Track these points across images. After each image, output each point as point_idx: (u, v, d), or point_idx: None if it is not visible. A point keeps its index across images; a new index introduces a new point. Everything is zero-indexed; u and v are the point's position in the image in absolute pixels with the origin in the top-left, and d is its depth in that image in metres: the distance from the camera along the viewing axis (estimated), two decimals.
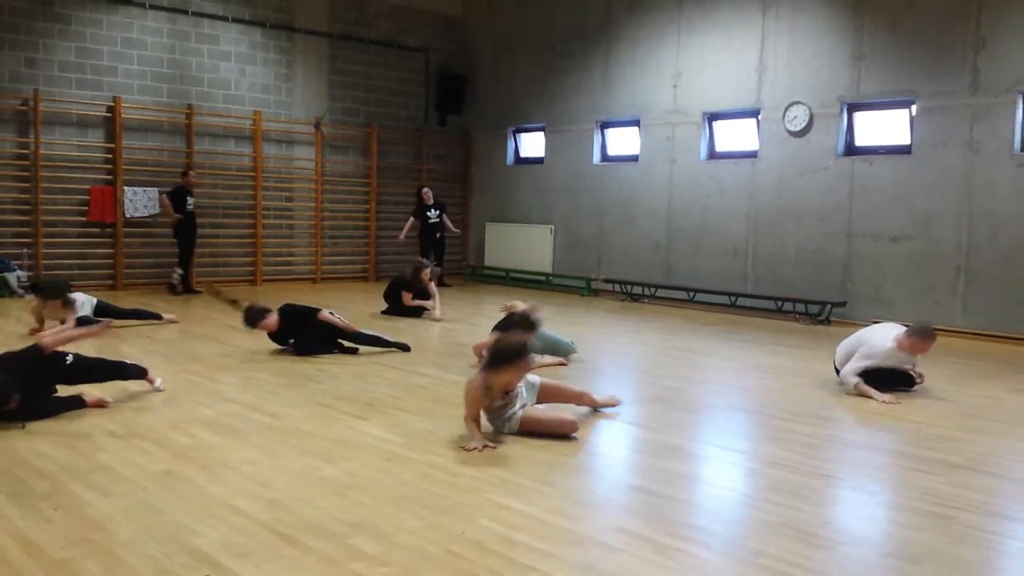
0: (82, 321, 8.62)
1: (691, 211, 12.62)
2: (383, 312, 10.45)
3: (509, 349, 5.00)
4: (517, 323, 6.76)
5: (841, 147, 11.04)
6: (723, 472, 4.77)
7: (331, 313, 7.86)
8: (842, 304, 10.78)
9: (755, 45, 11.76)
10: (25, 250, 11.70)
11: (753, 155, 11.94)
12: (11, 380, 5.04)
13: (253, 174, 13.69)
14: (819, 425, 5.72)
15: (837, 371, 6.80)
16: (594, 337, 9.53)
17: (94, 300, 8.89)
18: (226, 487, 4.12)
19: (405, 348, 7.91)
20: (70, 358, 5.60)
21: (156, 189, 12.62)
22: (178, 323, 9.19)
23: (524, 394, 5.22)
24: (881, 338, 6.56)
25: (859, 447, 5.31)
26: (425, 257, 14.04)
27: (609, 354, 8.52)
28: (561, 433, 5.08)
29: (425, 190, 14.08)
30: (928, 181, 10.23)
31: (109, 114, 12.33)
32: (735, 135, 12.34)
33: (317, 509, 3.84)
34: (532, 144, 15.37)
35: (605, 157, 14.03)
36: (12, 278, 11.20)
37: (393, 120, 15.27)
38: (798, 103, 11.30)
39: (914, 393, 6.65)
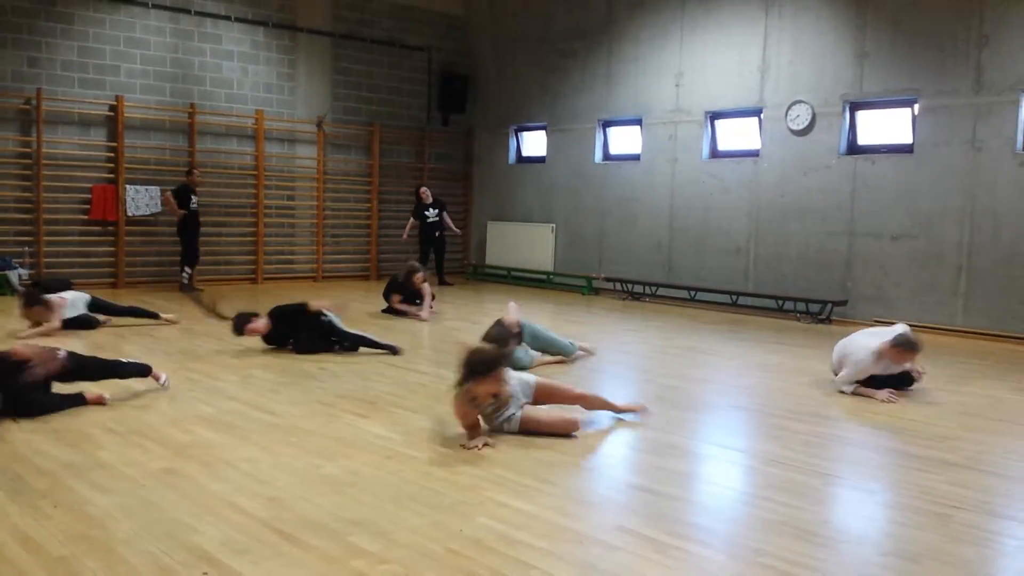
0: (80, 321, 8.63)
1: (693, 210, 12.61)
2: (383, 311, 10.45)
3: (481, 361, 4.86)
4: (490, 340, 6.64)
5: (843, 146, 11.03)
6: (723, 470, 4.77)
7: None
8: (843, 303, 10.77)
9: (758, 44, 11.75)
10: (27, 248, 11.72)
11: (755, 154, 11.93)
12: None
13: (255, 173, 13.69)
14: (819, 424, 5.72)
15: (835, 373, 6.79)
16: (595, 336, 9.52)
17: (87, 297, 8.85)
18: (226, 485, 4.13)
19: (395, 351, 7.73)
20: (62, 354, 5.57)
21: (158, 188, 12.63)
22: (178, 323, 9.20)
23: (519, 394, 5.17)
24: (863, 349, 6.45)
25: (859, 446, 5.31)
26: (425, 256, 14.09)
27: (610, 353, 8.51)
28: (563, 432, 5.08)
29: (423, 189, 14.07)
30: (930, 180, 10.22)
31: (111, 113, 12.34)
32: (737, 134, 12.33)
33: (317, 507, 3.85)
34: (534, 143, 15.37)
35: (607, 156, 14.03)
36: (13, 276, 11.21)
37: (395, 119, 15.27)
38: (800, 102, 11.29)
39: (914, 392, 6.64)
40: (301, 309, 7.84)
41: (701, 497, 4.35)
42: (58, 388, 5.56)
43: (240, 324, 7.64)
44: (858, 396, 6.43)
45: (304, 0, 14.04)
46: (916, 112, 10.40)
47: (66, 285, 9.21)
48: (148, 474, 4.26)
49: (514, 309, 7.57)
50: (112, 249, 12.52)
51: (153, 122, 12.78)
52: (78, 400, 5.57)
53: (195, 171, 12.50)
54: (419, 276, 10.12)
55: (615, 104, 13.61)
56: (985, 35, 9.74)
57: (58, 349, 5.63)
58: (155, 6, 12.62)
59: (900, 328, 6.82)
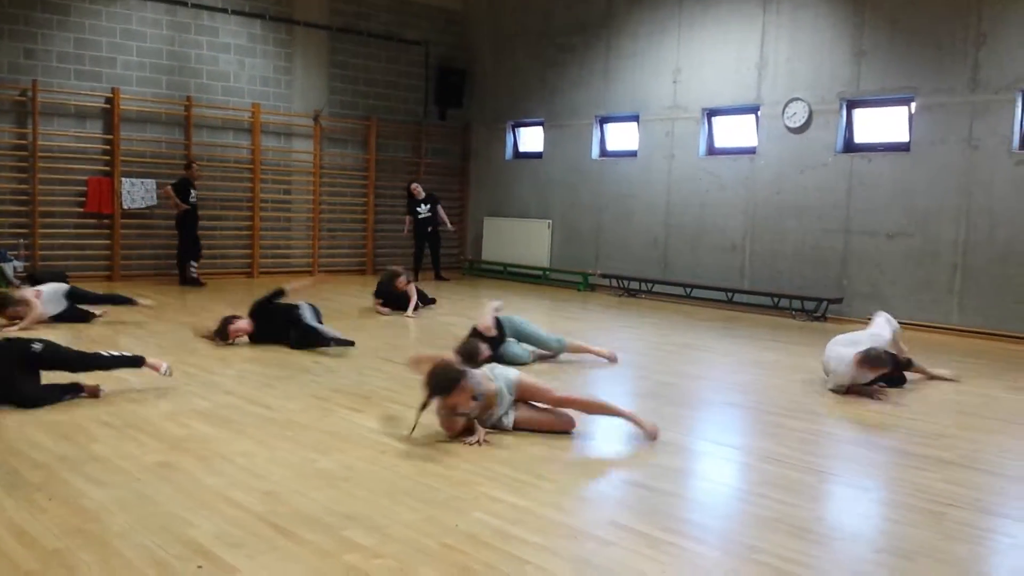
0: (75, 315, 8.58)
1: (689, 207, 12.61)
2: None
3: (441, 381, 4.76)
4: (460, 353, 6.56)
5: (840, 144, 11.04)
6: (718, 467, 4.78)
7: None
8: (839, 301, 10.79)
9: (755, 41, 11.75)
10: (22, 240, 11.69)
11: (752, 151, 11.94)
12: None
13: (251, 166, 13.67)
14: (814, 421, 5.74)
15: (826, 374, 6.77)
16: (590, 332, 9.53)
17: (65, 287, 8.76)
18: (221, 479, 4.12)
19: (348, 343, 7.65)
20: (37, 346, 5.51)
21: (154, 181, 12.61)
22: (153, 308, 9.16)
23: (505, 392, 5.08)
24: (841, 361, 6.41)
25: (853, 443, 5.32)
26: (419, 253, 14.07)
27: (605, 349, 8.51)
28: (560, 430, 5.07)
29: (414, 185, 14.02)
30: (927, 178, 10.24)
31: (107, 105, 12.31)
32: (734, 131, 12.34)
33: (312, 501, 3.85)
34: (531, 138, 15.36)
35: (604, 152, 14.03)
36: (8, 268, 11.17)
37: (392, 113, 15.25)
38: (797, 99, 11.29)
39: (909, 390, 6.66)
40: (278, 295, 7.90)
41: (696, 493, 4.36)
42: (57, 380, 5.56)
43: (224, 328, 7.64)
44: (852, 394, 6.44)
45: None
46: (913, 110, 10.41)
47: (60, 278, 9.19)
48: (143, 468, 4.25)
49: (492, 309, 7.45)
50: (108, 242, 12.50)
51: (149, 115, 12.75)
52: (74, 389, 5.55)
53: (194, 165, 12.47)
54: (401, 280, 10.05)
55: (612, 100, 13.61)
56: (983, 34, 9.75)
57: (33, 341, 5.60)
58: None
59: (878, 323, 6.82)
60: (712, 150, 12.52)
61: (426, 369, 4.95)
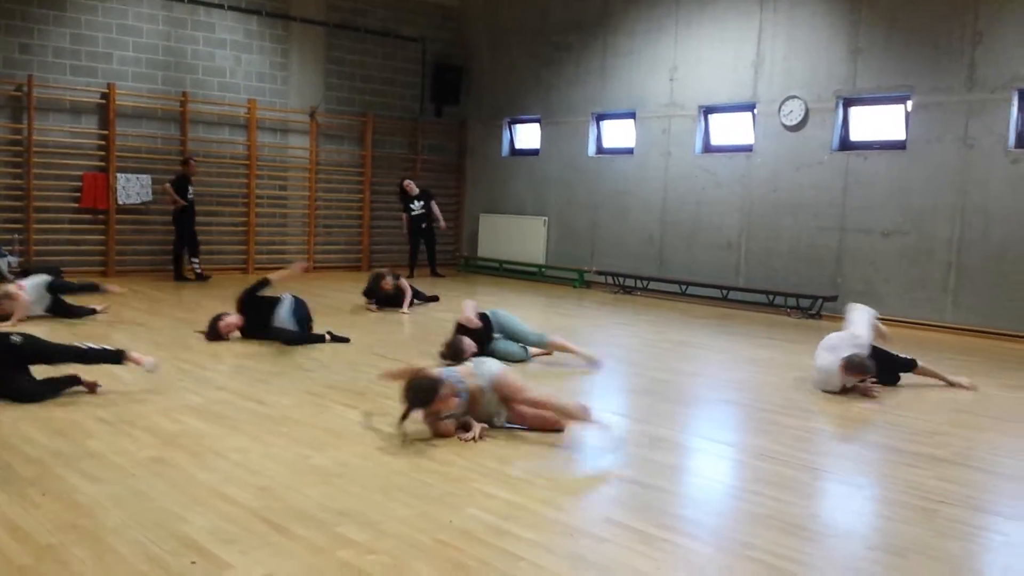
0: (59, 310, 8.54)
1: (685, 204, 12.62)
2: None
3: (420, 393, 4.72)
4: (447, 355, 6.54)
5: (836, 142, 11.05)
6: (712, 464, 4.79)
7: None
8: (833, 299, 10.80)
9: (752, 39, 11.75)
10: (17, 236, 11.67)
11: (748, 149, 11.94)
12: None
13: (247, 162, 13.66)
14: (808, 418, 5.75)
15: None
16: (586, 329, 9.55)
17: (47, 278, 8.64)
18: (215, 474, 4.12)
19: (320, 339, 7.74)
20: (17, 339, 5.48)
21: (149, 176, 12.59)
22: (121, 294, 9.15)
23: (487, 388, 5.00)
24: (826, 370, 6.39)
25: (847, 441, 5.33)
26: (414, 250, 14.04)
27: (600, 346, 8.51)
28: (551, 428, 5.05)
29: (407, 182, 13.97)
30: (922, 177, 10.25)
31: (103, 101, 12.29)
32: (730, 129, 12.34)
33: (306, 497, 3.85)
34: (527, 135, 15.35)
35: (600, 149, 14.02)
36: (3, 263, 11.16)
37: (388, 110, 15.23)
38: (794, 97, 11.30)
39: (902, 388, 6.67)
40: (264, 284, 7.94)
41: (690, 490, 4.37)
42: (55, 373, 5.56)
43: (214, 326, 7.65)
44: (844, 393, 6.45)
45: None
46: (909, 109, 10.42)
47: (55, 273, 9.16)
48: (137, 463, 4.25)
49: (470, 307, 7.39)
50: (103, 237, 12.48)
51: (145, 110, 12.73)
52: (73, 382, 5.54)
53: (191, 161, 12.44)
54: (387, 281, 10.00)
55: (609, 97, 13.60)
56: (979, 32, 9.76)
57: (12, 334, 5.57)
58: None
59: (855, 322, 6.73)
60: (708, 148, 12.53)
61: (401, 381, 4.93)
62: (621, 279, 13.06)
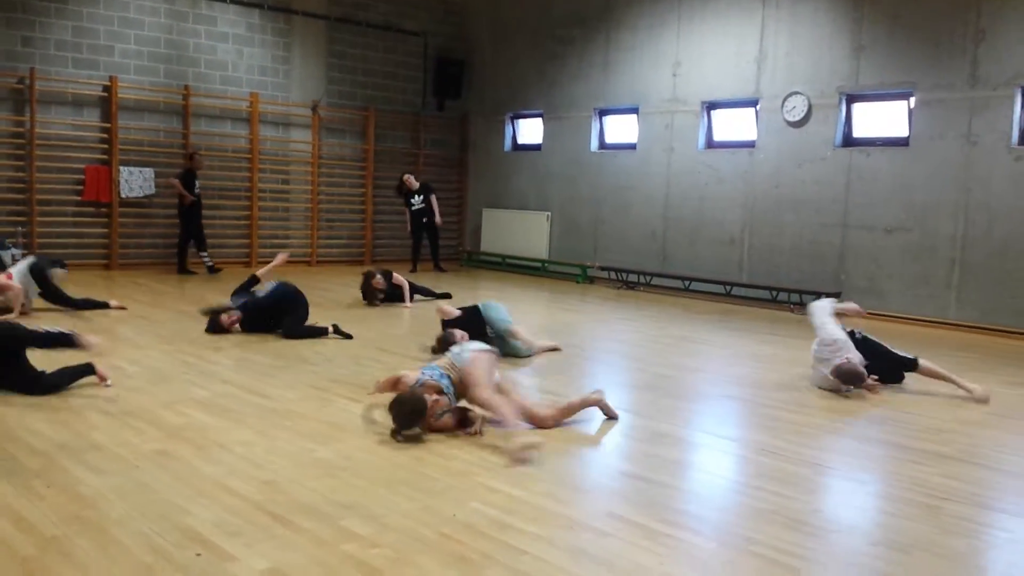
0: (59, 299, 8.54)
1: (688, 200, 12.61)
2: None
3: (409, 415, 4.64)
4: (442, 345, 6.49)
5: (839, 138, 11.04)
6: (714, 459, 4.79)
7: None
8: (836, 295, 10.77)
9: (755, 34, 11.73)
10: (20, 228, 11.66)
11: (751, 145, 11.93)
12: None
13: (249, 156, 13.65)
14: (811, 414, 5.75)
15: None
16: (588, 324, 9.55)
17: (30, 260, 8.57)
18: (219, 467, 4.13)
19: (336, 329, 7.78)
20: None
21: (152, 169, 12.59)
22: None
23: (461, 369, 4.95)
24: (822, 377, 6.37)
25: (850, 436, 5.33)
26: (417, 245, 14.02)
27: (603, 341, 8.53)
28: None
29: (407, 176, 13.94)
30: (925, 173, 10.24)
31: (105, 94, 12.28)
32: (733, 124, 12.33)
33: (310, 490, 3.85)
34: (530, 130, 15.34)
35: (603, 145, 14.01)
36: (6, 256, 11.15)
37: (390, 104, 15.22)
38: (797, 93, 11.28)
39: (907, 385, 6.66)
40: (253, 281, 8.09)
41: (692, 485, 4.37)
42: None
43: (216, 321, 7.66)
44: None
45: None
46: (912, 105, 10.41)
47: (58, 266, 9.15)
48: (142, 456, 4.26)
49: (446, 308, 7.48)
50: (106, 231, 12.48)
51: (147, 103, 12.72)
52: (87, 371, 5.55)
53: (196, 155, 12.43)
54: (377, 280, 9.96)
55: (612, 93, 13.59)
56: (982, 30, 9.74)
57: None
58: None
59: (820, 328, 6.57)
60: (711, 143, 12.52)
61: (390, 392, 4.92)
62: (624, 275, 13.05)
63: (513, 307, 9.64)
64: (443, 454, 4.46)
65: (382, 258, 14.94)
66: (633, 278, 12.99)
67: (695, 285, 12.20)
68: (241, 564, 3.10)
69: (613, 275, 13.22)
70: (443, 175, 15.77)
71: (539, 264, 14.57)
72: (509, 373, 5.96)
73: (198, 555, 3.15)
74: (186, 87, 12.94)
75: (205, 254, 12.47)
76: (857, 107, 10.98)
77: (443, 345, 6.35)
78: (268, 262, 8.92)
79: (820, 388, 6.43)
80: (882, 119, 10.83)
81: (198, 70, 13.09)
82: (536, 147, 15.02)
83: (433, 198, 13.92)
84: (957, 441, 5.17)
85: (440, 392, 4.82)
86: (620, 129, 13.79)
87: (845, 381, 6.21)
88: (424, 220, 13.94)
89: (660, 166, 12.93)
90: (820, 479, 4.48)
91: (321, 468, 4.17)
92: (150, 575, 3.00)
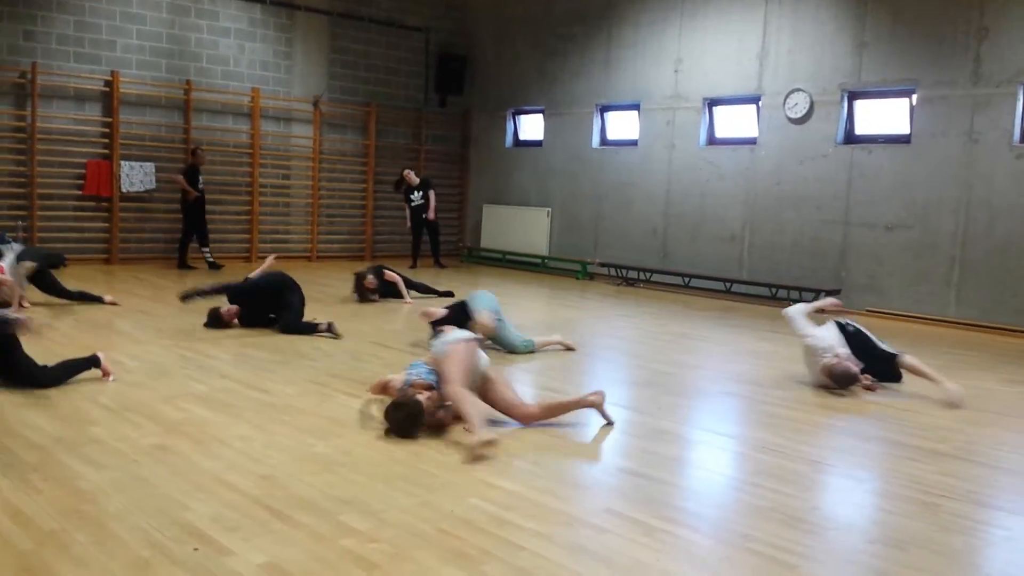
0: (54, 289, 8.53)
1: (689, 196, 12.61)
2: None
3: (405, 424, 4.61)
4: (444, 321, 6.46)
5: (841, 135, 11.03)
6: (713, 456, 4.79)
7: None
8: (837, 292, 10.78)
9: (757, 31, 11.72)
10: (20, 223, 11.67)
11: (752, 142, 11.92)
12: None
13: (251, 151, 13.65)
14: (809, 411, 5.75)
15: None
16: (588, 321, 9.55)
17: (17, 247, 8.52)
18: (218, 462, 4.13)
19: (329, 327, 7.66)
20: None
21: (153, 164, 12.59)
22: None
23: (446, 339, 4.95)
24: (823, 382, 6.32)
25: (848, 434, 5.33)
26: (417, 241, 13.98)
27: (603, 337, 8.53)
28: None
29: (407, 171, 13.88)
30: (927, 171, 10.23)
31: (107, 88, 12.28)
32: (735, 121, 12.32)
33: (308, 485, 3.86)
34: (531, 127, 15.33)
35: (604, 141, 14.00)
36: (7, 250, 11.14)
37: (392, 100, 15.21)
38: (799, 90, 11.27)
39: (905, 383, 6.65)
40: (247, 282, 8.07)
41: (691, 482, 4.37)
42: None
43: (216, 315, 7.67)
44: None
45: None
46: (914, 102, 10.40)
47: (58, 260, 9.14)
48: (140, 450, 4.26)
49: (431, 310, 7.37)
50: (106, 225, 12.49)
51: (149, 98, 12.72)
52: (92, 363, 5.54)
53: (199, 150, 12.42)
54: (369, 279, 9.91)
55: (613, 89, 13.58)
56: (985, 27, 9.72)
57: None
58: None
59: (797, 328, 6.54)
60: (713, 140, 12.51)
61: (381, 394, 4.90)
62: (624, 271, 13.05)
63: (513, 303, 9.67)
64: (441, 450, 4.46)
65: (382, 254, 14.95)
66: (633, 274, 12.99)
67: (695, 282, 12.20)
68: (239, 559, 3.10)
69: (613, 271, 13.22)
70: (444, 171, 15.76)
71: (539, 260, 14.56)
72: (504, 367, 5.95)
73: (196, 550, 3.15)
74: (188, 82, 12.93)
75: (207, 250, 12.48)
76: (859, 104, 10.97)
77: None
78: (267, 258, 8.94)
79: (817, 386, 6.42)
80: (884, 116, 10.82)
81: (200, 65, 13.08)
82: (537, 143, 15.01)
83: (431, 194, 13.86)
84: (955, 439, 5.17)
85: (430, 388, 4.81)
86: (621, 125, 13.78)
87: (838, 384, 6.18)
88: (424, 216, 13.92)
89: (661, 163, 12.92)
90: (818, 476, 4.48)
91: (319, 463, 4.18)
92: (148, 569, 3.00)
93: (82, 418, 4.77)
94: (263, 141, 13.80)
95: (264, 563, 3.07)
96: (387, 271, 10.13)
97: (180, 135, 12.98)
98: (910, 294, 10.38)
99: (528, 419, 4.97)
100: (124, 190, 12.41)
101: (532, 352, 7.20)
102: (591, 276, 13.69)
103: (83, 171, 12.15)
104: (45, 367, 5.42)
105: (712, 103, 12.42)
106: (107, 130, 12.33)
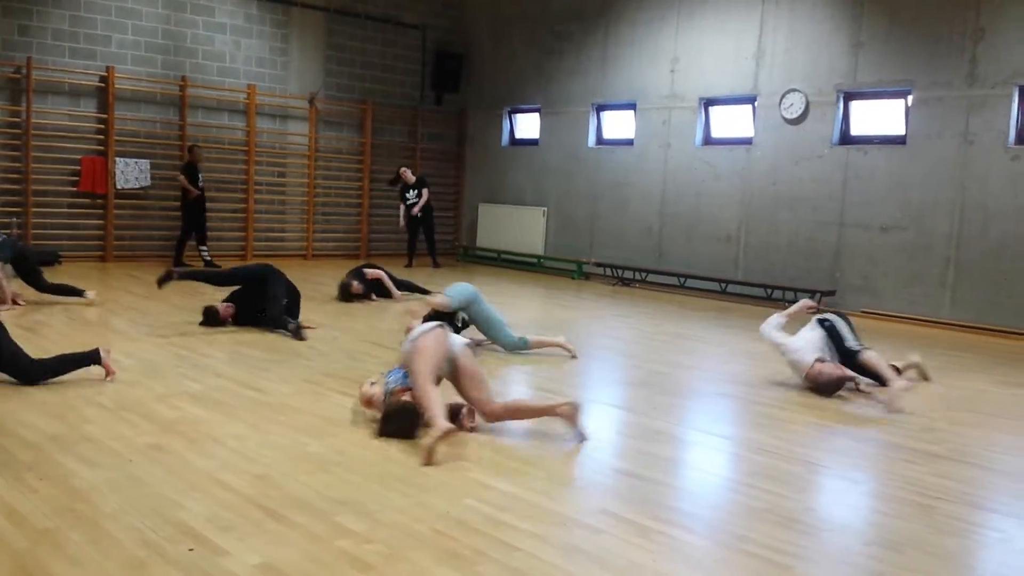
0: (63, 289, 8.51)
1: (685, 196, 12.61)
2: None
3: (404, 426, 4.58)
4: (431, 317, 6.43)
5: (836, 136, 11.04)
6: (708, 457, 4.79)
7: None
8: (832, 293, 10.81)
9: (754, 31, 11.72)
10: (15, 219, 11.64)
11: (748, 142, 11.93)
12: None
13: (246, 148, 13.62)
14: (804, 412, 5.75)
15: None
16: (584, 321, 9.55)
17: (10, 240, 8.51)
18: (212, 461, 4.12)
19: (295, 329, 7.54)
20: None
21: (148, 161, 12.56)
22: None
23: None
24: (802, 379, 6.33)
25: (844, 435, 5.33)
26: (413, 240, 13.94)
27: (598, 337, 8.53)
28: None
29: (403, 169, 13.84)
30: (922, 172, 10.24)
31: (102, 84, 12.24)
32: (731, 121, 12.32)
33: (303, 485, 3.85)
34: (527, 125, 15.32)
35: (600, 140, 14.00)
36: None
37: (388, 97, 15.19)
38: (795, 90, 11.28)
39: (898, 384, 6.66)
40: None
41: (685, 483, 4.38)
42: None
43: (213, 313, 7.66)
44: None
45: None
46: (909, 103, 10.41)
47: (53, 256, 9.12)
48: (135, 449, 4.25)
49: (414, 308, 7.32)
50: (101, 222, 12.45)
51: (144, 94, 12.68)
52: (92, 359, 5.52)
53: (196, 147, 12.39)
54: (354, 285, 9.87)
55: (609, 88, 13.58)
56: (981, 28, 9.74)
57: None
58: None
59: (773, 340, 6.51)
60: (708, 140, 12.51)
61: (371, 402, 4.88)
62: (620, 271, 13.06)
63: (509, 303, 9.67)
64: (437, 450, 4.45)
65: (378, 252, 14.94)
66: (629, 274, 12.99)
67: (691, 282, 12.20)
68: (234, 559, 3.09)
69: (609, 271, 13.22)
70: (440, 169, 15.75)
71: (535, 259, 14.56)
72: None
73: (191, 550, 3.15)
74: (183, 78, 12.90)
75: (204, 248, 12.44)
76: (855, 105, 10.98)
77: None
78: (263, 256, 8.94)
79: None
80: (879, 117, 10.83)
81: (195, 61, 13.05)
82: (533, 142, 15.00)
83: (424, 192, 13.78)
84: (949, 440, 5.18)
85: (409, 390, 4.74)
86: (617, 125, 13.77)
87: (823, 393, 6.12)
88: (420, 215, 13.89)
89: (657, 162, 12.93)
90: (813, 477, 4.49)
91: (314, 463, 4.17)
92: (143, 569, 2.99)
93: (77, 417, 4.76)
94: (259, 138, 13.77)
95: (259, 563, 3.06)
96: (368, 270, 10.00)
97: (175, 132, 12.95)
98: (904, 295, 10.40)
99: (491, 416, 4.84)
100: (119, 187, 12.38)
101: (526, 349, 7.17)
102: (587, 276, 13.69)
103: (78, 167, 12.12)
104: (38, 360, 5.40)
105: (708, 103, 12.43)
106: (102, 126, 12.30)
